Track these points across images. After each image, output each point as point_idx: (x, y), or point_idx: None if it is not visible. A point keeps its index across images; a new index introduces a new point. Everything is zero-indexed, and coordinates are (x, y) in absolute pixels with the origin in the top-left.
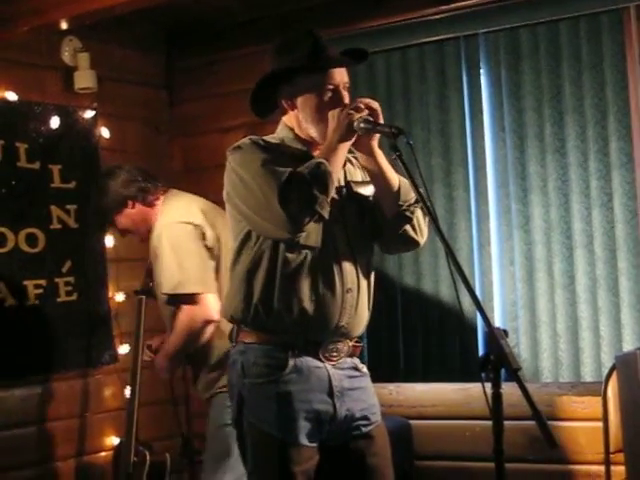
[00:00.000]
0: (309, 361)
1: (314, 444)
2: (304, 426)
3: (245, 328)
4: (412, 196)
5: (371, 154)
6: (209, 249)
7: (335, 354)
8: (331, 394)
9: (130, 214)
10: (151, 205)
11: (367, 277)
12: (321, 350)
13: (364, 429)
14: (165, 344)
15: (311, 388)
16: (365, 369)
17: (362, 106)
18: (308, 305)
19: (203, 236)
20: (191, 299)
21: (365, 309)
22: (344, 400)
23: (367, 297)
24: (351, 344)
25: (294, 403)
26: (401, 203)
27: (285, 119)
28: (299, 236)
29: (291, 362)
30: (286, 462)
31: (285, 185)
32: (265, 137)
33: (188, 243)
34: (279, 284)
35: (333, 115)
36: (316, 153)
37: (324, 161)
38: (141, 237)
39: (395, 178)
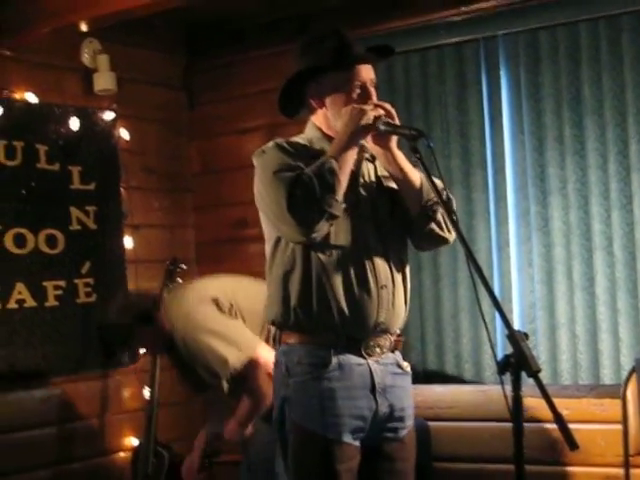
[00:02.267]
0: (351, 358)
1: (356, 443)
2: (347, 423)
3: (287, 330)
4: (434, 194)
5: (390, 155)
6: (231, 313)
7: (377, 349)
8: (373, 390)
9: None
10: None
11: (401, 272)
12: (363, 347)
13: (399, 433)
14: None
15: (354, 385)
16: (408, 368)
17: (371, 107)
18: (345, 305)
19: (219, 305)
20: (254, 365)
21: (402, 304)
22: (386, 397)
23: (403, 291)
24: (393, 338)
25: (337, 400)
26: (424, 202)
27: (313, 118)
28: (314, 237)
29: (334, 360)
30: (330, 460)
31: (291, 189)
32: (294, 137)
33: (216, 321)
34: (314, 285)
35: (346, 111)
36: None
37: (330, 159)
38: None
39: (417, 177)
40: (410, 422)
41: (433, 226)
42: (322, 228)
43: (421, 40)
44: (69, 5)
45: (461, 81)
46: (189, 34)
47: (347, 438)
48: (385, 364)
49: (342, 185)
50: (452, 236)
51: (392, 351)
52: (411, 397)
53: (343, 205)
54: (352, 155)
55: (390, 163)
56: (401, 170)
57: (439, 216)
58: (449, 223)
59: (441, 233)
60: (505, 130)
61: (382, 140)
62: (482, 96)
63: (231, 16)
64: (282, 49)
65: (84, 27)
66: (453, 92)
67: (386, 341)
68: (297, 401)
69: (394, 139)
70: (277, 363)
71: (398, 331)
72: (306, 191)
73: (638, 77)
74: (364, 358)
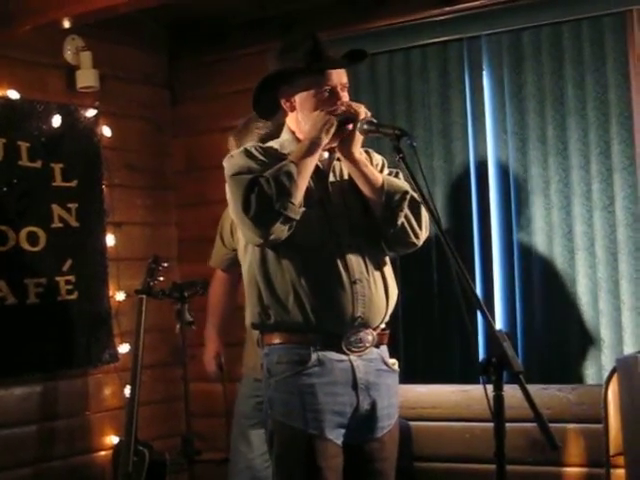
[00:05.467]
0: (332, 355)
1: (339, 441)
2: (329, 419)
3: (267, 332)
4: (396, 198)
5: (352, 159)
6: None
7: (360, 345)
8: (355, 386)
9: None
10: None
11: (379, 267)
12: (344, 342)
13: (379, 432)
14: None
15: (335, 381)
16: (396, 366)
17: (343, 108)
18: (317, 301)
19: None
20: None
21: (381, 299)
22: (369, 394)
23: (382, 286)
24: (376, 333)
25: (318, 395)
26: (385, 206)
27: (287, 121)
28: (272, 239)
29: (314, 356)
30: (312, 456)
31: (246, 191)
32: (269, 142)
33: None
34: (285, 284)
35: (313, 116)
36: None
37: (289, 163)
38: None
39: (378, 181)
40: (391, 421)
41: (396, 230)
42: (278, 230)
43: (405, 39)
44: (52, 2)
45: (444, 81)
46: (172, 31)
47: (329, 434)
48: (369, 360)
49: (300, 188)
50: (420, 240)
51: (376, 346)
52: (396, 396)
53: (302, 209)
54: (313, 160)
55: (351, 169)
56: (363, 176)
57: (402, 220)
58: (416, 227)
59: (405, 237)
60: (488, 130)
61: (343, 146)
62: (465, 96)
63: (215, 14)
64: (266, 47)
65: (67, 24)
66: (436, 92)
67: (368, 336)
68: (278, 399)
69: (357, 146)
70: (261, 366)
71: (383, 325)
72: (261, 194)
73: (621, 78)
74: (346, 354)
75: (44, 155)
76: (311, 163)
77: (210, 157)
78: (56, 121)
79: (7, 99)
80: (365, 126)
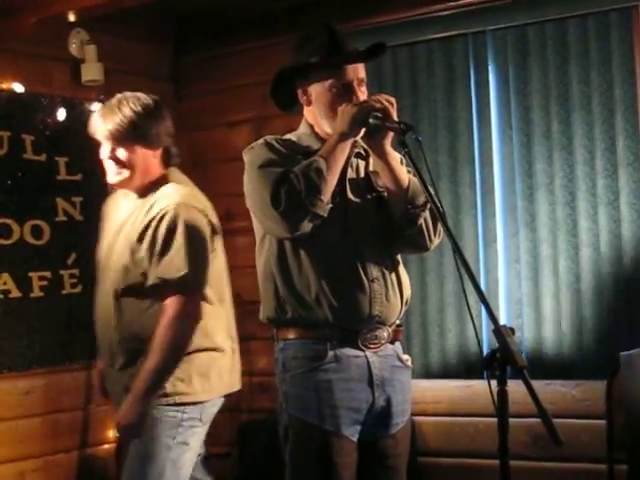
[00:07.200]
0: (348, 351)
1: (354, 438)
2: (345, 416)
3: (282, 327)
4: (421, 200)
5: (382, 153)
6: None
7: (375, 341)
8: (371, 383)
9: (146, 155)
10: (164, 165)
11: (393, 265)
12: (360, 338)
13: (393, 429)
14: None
15: (351, 377)
16: (409, 362)
17: (372, 103)
18: (335, 298)
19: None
20: (192, 291)
21: (396, 296)
22: (384, 390)
23: (398, 284)
24: (391, 330)
25: (335, 392)
26: (408, 206)
27: (306, 115)
28: (298, 235)
29: (330, 352)
30: (328, 452)
31: (276, 186)
32: (286, 135)
33: (203, 239)
34: (304, 279)
35: (340, 110)
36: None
37: (318, 158)
38: (127, 184)
39: (405, 180)
40: (405, 418)
41: (413, 231)
42: (306, 226)
43: (410, 35)
44: None
45: (449, 76)
46: (177, 25)
47: (345, 431)
48: (384, 356)
49: (329, 185)
50: (432, 245)
51: (391, 342)
52: (409, 392)
53: (329, 205)
54: (342, 154)
55: (381, 163)
56: (391, 171)
57: (421, 221)
58: (432, 231)
59: (419, 239)
60: (493, 125)
61: (375, 140)
62: (470, 91)
63: (219, 8)
64: (270, 42)
65: (72, 17)
66: (441, 87)
67: (384, 332)
68: (294, 394)
69: (388, 139)
70: (276, 360)
71: (398, 322)
72: (291, 189)
73: (626, 73)
74: (362, 350)
75: (49, 148)
76: (341, 158)
77: (215, 151)
78: (61, 114)
79: (12, 92)
80: (371, 120)
